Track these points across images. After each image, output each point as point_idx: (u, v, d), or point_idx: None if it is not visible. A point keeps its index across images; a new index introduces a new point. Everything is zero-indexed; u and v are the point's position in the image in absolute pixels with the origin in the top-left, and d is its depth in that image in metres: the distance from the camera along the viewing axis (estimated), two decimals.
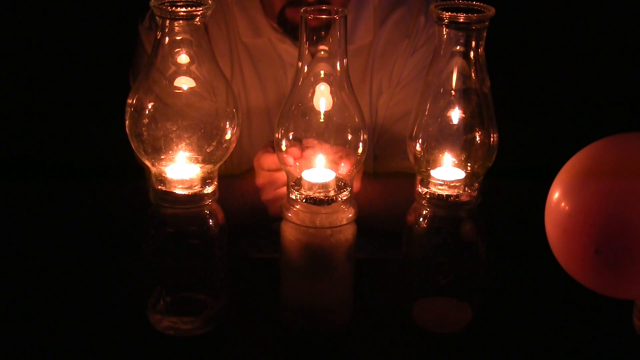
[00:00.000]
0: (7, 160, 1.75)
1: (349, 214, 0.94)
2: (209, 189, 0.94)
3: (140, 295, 0.99)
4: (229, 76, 1.37)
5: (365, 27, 1.39)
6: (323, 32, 0.91)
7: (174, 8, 0.90)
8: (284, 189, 1.01)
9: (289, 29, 1.34)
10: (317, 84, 0.93)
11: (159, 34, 0.91)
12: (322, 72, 0.93)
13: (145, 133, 0.93)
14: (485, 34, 0.92)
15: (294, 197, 0.94)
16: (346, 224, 0.94)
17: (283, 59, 1.38)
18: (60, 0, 1.77)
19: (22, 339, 0.96)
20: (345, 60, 0.93)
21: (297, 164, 0.95)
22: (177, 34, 0.91)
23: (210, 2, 0.91)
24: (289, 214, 0.94)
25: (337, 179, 0.95)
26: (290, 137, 0.94)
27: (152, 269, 0.97)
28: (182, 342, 0.97)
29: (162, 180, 0.94)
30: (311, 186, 0.94)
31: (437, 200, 0.95)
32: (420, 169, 0.96)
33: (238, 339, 0.98)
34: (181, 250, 0.95)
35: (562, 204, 0.90)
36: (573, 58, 1.89)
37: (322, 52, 0.92)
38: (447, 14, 0.91)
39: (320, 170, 0.95)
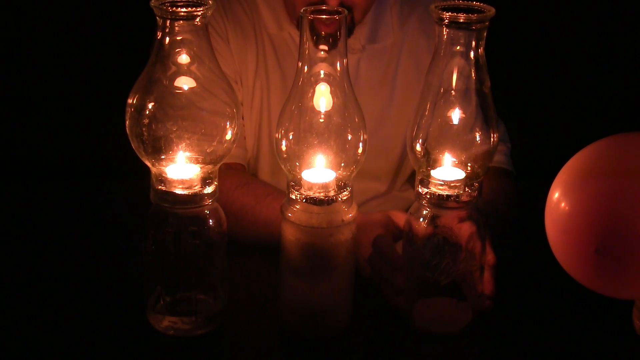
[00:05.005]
0: (7, 160, 1.75)
1: (349, 214, 0.94)
2: (209, 189, 0.94)
3: (140, 295, 0.99)
4: (254, 67, 1.37)
5: (386, 28, 1.39)
6: (323, 32, 0.91)
7: (174, 8, 0.90)
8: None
9: None
10: (317, 84, 0.93)
11: (159, 34, 0.91)
12: (322, 72, 0.93)
13: (145, 133, 0.93)
14: (485, 34, 0.92)
15: (294, 197, 0.94)
16: (346, 224, 0.94)
17: None
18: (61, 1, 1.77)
19: (23, 339, 0.96)
20: (345, 60, 0.93)
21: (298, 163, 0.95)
22: (178, 34, 0.91)
23: (210, 2, 0.91)
24: (289, 214, 0.94)
25: (337, 180, 0.95)
26: (290, 137, 0.94)
27: (152, 269, 0.97)
28: (182, 342, 0.97)
29: (162, 180, 0.94)
30: (311, 186, 0.94)
31: (437, 200, 0.95)
32: (420, 169, 0.96)
33: (238, 339, 0.98)
34: (181, 250, 0.95)
35: (562, 204, 0.90)
36: (573, 58, 1.89)
37: (322, 52, 0.92)
38: (447, 14, 0.91)
39: (320, 170, 0.95)
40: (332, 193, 0.94)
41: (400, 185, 1.46)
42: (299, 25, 1.33)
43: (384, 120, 1.40)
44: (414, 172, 1.42)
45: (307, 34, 0.91)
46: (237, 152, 1.34)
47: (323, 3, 1.22)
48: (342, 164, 0.95)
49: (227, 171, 1.23)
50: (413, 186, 1.44)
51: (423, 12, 1.41)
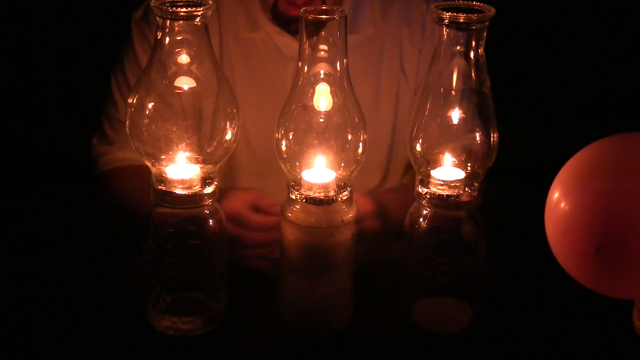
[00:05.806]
0: (7, 160, 1.75)
1: (349, 214, 0.94)
2: (209, 189, 0.94)
3: (140, 295, 0.99)
4: None
5: (365, 18, 1.39)
6: (323, 32, 0.91)
7: (174, 8, 0.90)
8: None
9: (283, 22, 1.34)
10: (317, 84, 0.93)
11: (159, 34, 0.91)
12: (322, 72, 0.93)
13: (145, 133, 0.93)
14: (485, 34, 0.92)
15: (294, 197, 0.94)
16: (346, 224, 0.94)
17: (283, 52, 1.37)
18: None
19: (22, 339, 0.96)
20: (345, 60, 0.93)
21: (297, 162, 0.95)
22: (178, 34, 0.91)
23: (210, 2, 0.91)
24: (289, 214, 0.94)
25: (337, 180, 0.95)
26: (290, 137, 0.94)
27: (152, 269, 0.97)
28: (182, 342, 0.97)
29: (162, 180, 0.94)
30: (311, 186, 0.94)
31: (437, 200, 0.95)
32: (420, 169, 0.96)
33: (238, 339, 0.98)
34: (181, 250, 0.95)
35: (562, 204, 0.90)
36: (573, 58, 1.89)
37: (322, 52, 0.92)
38: (447, 14, 0.91)
39: (320, 170, 0.95)
40: (332, 193, 0.94)
41: (395, 179, 1.46)
42: (273, 15, 1.33)
43: (371, 112, 1.40)
44: (408, 166, 1.43)
45: (307, 34, 0.91)
46: None
47: None
48: (342, 164, 0.95)
49: None
50: (408, 179, 1.44)
51: (405, 1, 1.41)
